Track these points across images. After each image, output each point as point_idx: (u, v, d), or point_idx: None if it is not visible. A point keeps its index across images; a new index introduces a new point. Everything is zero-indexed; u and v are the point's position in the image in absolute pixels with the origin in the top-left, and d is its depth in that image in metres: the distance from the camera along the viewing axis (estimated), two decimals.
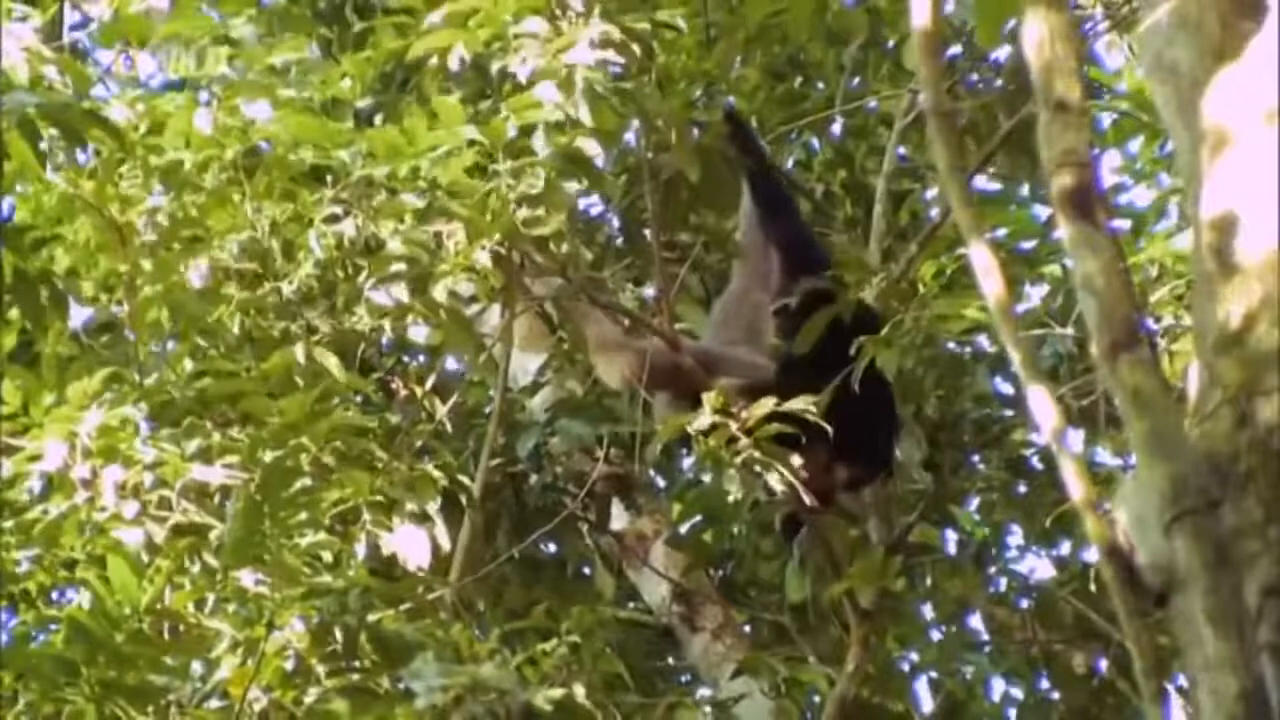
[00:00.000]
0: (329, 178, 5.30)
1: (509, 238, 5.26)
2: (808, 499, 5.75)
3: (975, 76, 6.96)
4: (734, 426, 5.60)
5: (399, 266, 5.18)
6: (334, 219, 5.23)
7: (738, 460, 5.62)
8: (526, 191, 5.23)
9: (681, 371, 6.07)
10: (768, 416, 5.58)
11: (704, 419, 5.61)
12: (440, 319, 5.30)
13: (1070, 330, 6.39)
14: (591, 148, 5.29)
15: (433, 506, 5.33)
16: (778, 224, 6.41)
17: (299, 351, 5.20)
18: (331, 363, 5.23)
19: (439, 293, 5.20)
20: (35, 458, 4.89)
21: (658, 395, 6.25)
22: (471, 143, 5.24)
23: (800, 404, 5.59)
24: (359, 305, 5.23)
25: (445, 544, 5.43)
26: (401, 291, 5.19)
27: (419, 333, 5.76)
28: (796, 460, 5.68)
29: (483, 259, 5.21)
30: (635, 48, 5.34)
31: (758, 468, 5.63)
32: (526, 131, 5.29)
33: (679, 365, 6.08)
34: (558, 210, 5.26)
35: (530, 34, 5.29)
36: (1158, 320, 6.09)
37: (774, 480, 5.64)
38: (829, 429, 5.64)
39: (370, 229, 5.20)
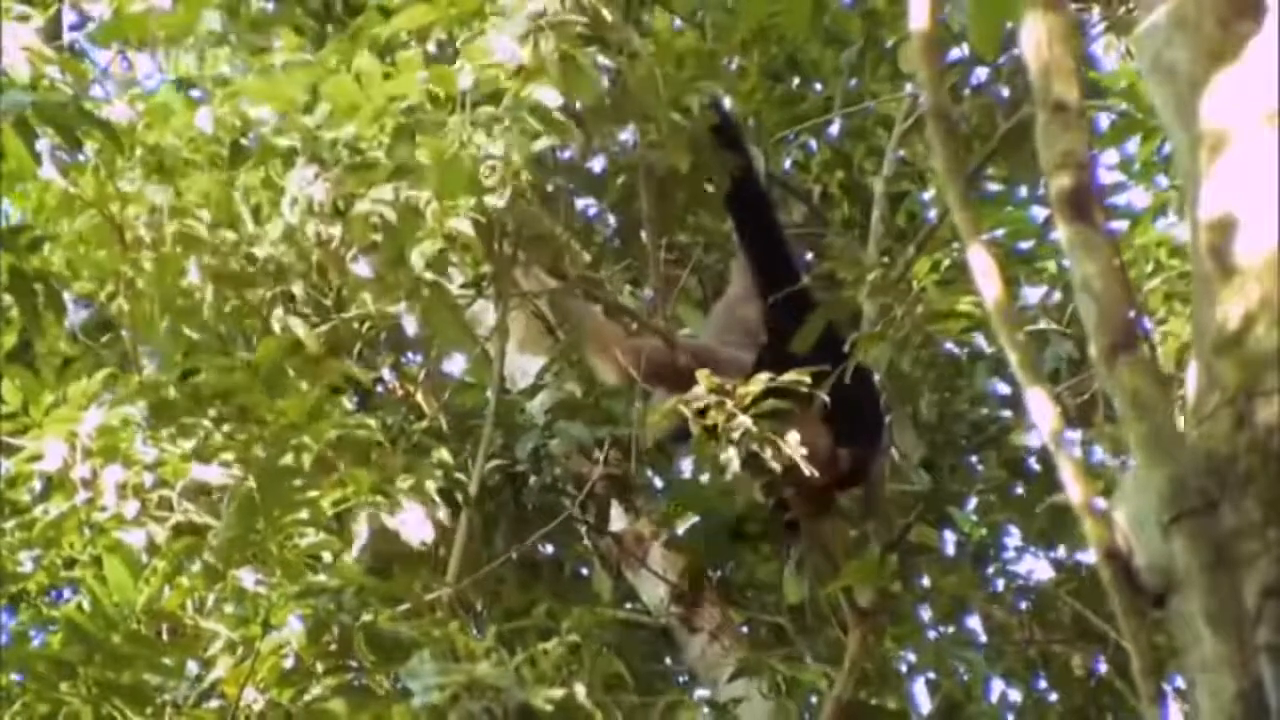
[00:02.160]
0: (300, 144, 5.25)
1: (478, 197, 5.18)
2: (810, 470, 5.72)
3: (979, 78, 6.96)
4: (730, 404, 5.60)
5: (377, 237, 5.13)
6: (304, 183, 5.18)
7: (735, 435, 5.60)
8: (486, 148, 5.16)
9: (678, 369, 6.08)
10: (764, 393, 5.58)
11: (701, 392, 5.60)
12: (420, 296, 5.25)
13: (1068, 331, 6.40)
14: (550, 97, 5.21)
15: (431, 486, 5.31)
16: (749, 240, 6.36)
17: (274, 321, 5.17)
18: (300, 327, 5.19)
19: (416, 260, 5.14)
20: (35, 457, 4.89)
21: (654, 393, 6.25)
22: (434, 100, 5.18)
23: (797, 382, 5.59)
24: (338, 276, 5.18)
25: (446, 522, 5.41)
26: (380, 263, 5.14)
27: (409, 325, 5.72)
28: (796, 438, 5.68)
29: (462, 226, 5.14)
30: (605, 13, 5.28)
31: (755, 446, 5.61)
32: (487, 86, 5.21)
33: (675, 363, 6.09)
34: (519, 158, 5.18)
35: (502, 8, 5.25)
36: (1151, 314, 6.10)
37: (772, 459, 5.63)
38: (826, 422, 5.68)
39: (341, 189, 5.14)
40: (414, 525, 5.21)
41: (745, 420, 5.57)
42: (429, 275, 5.17)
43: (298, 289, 5.21)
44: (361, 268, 5.17)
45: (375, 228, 5.13)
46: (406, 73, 5.16)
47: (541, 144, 5.23)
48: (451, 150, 5.10)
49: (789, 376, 5.57)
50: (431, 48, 5.32)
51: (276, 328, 5.16)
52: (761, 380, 5.60)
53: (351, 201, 5.14)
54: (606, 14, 5.26)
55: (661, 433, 6.15)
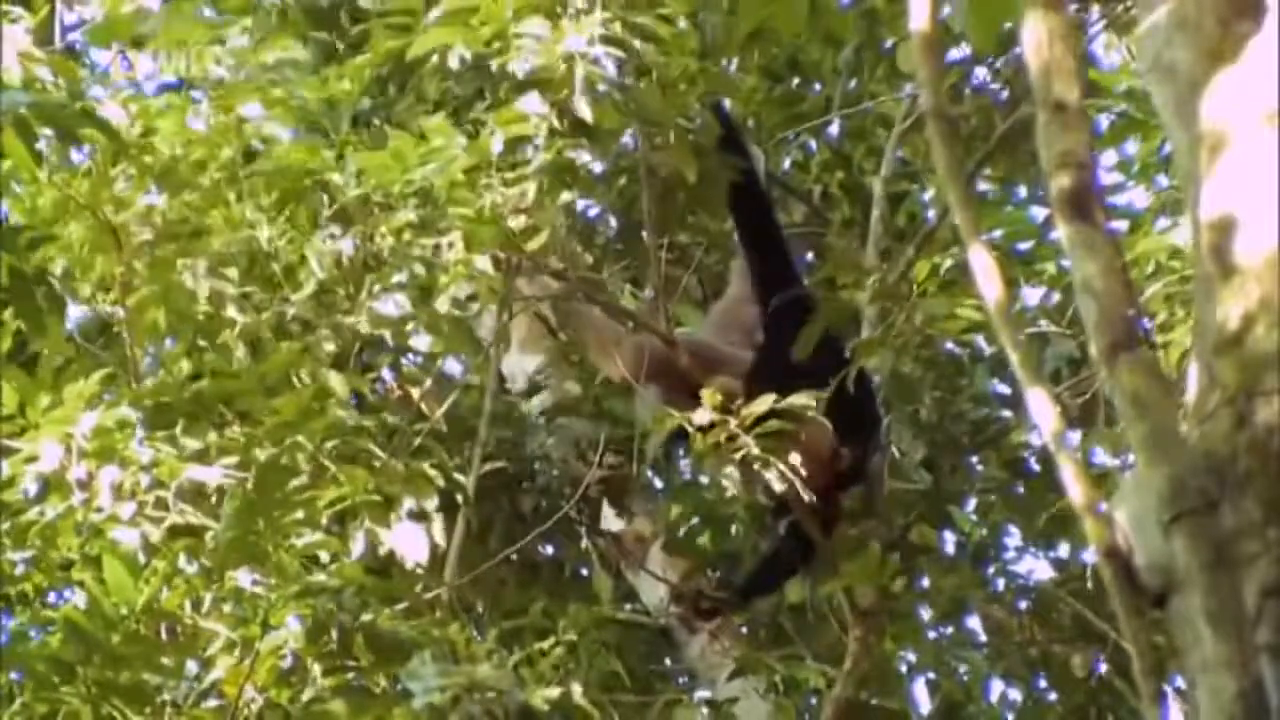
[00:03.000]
0: (323, 196, 5.29)
1: (504, 247, 5.25)
2: (807, 495, 5.74)
3: (978, 78, 6.96)
4: (733, 424, 5.61)
5: (400, 277, 5.18)
6: (332, 237, 5.23)
7: (737, 457, 5.63)
8: (517, 204, 5.22)
9: (677, 366, 6.08)
10: (768, 413, 5.59)
11: (703, 415, 5.61)
12: (443, 328, 5.29)
13: (1068, 332, 6.41)
14: (582, 156, 5.26)
15: (431, 504, 5.32)
16: (750, 243, 6.36)
17: (303, 371, 5.19)
18: (335, 380, 5.22)
19: (442, 304, 5.20)
20: (32, 459, 4.89)
21: (649, 388, 6.24)
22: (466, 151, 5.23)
23: (802, 399, 5.60)
24: (361, 315, 5.21)
25: (443, 542, 5.43)
26: (404, 302, 5.18)
27: (421, 341, 5.75)
28: (797, 457, 5.70)
29: (483, 265, 5.20)
30: (637, 44, 5.31)
31: (757, 465, 5.63)
32: (517, 143, 5.27)
33: (676, 362, 6.09)
34: (546, 222, 5.25)
35: (532, 35, 5.26)
36: (1151, 317, 6.11)
37: (774, 478, 5.65)
38: (827, 422, 5.69)
39: (369, 246, 5.20)
40: (409, 544, 5.23)
41: (748, 441, 5.58)
42: (454, 313, 5.21)
43: (329, 345, 5.23)
44: (382, 304, 5.20)
45: (400, 271, 5.17)
46: (441, 140, 5.21)
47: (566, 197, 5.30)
48: (479, 203, 5.16)
49: (794, 399, 5.58)
50: (454, 63, 5.34)
51: (306, 378, 5.18)
52: (766, 401, 5.60)
53: (379, 254, 5.18)
54: (637, 44, 5.28)
55: (661, 438, 6.14)
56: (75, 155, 5.38)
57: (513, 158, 5.27)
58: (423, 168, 5.20)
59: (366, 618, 4.84)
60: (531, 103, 5.23)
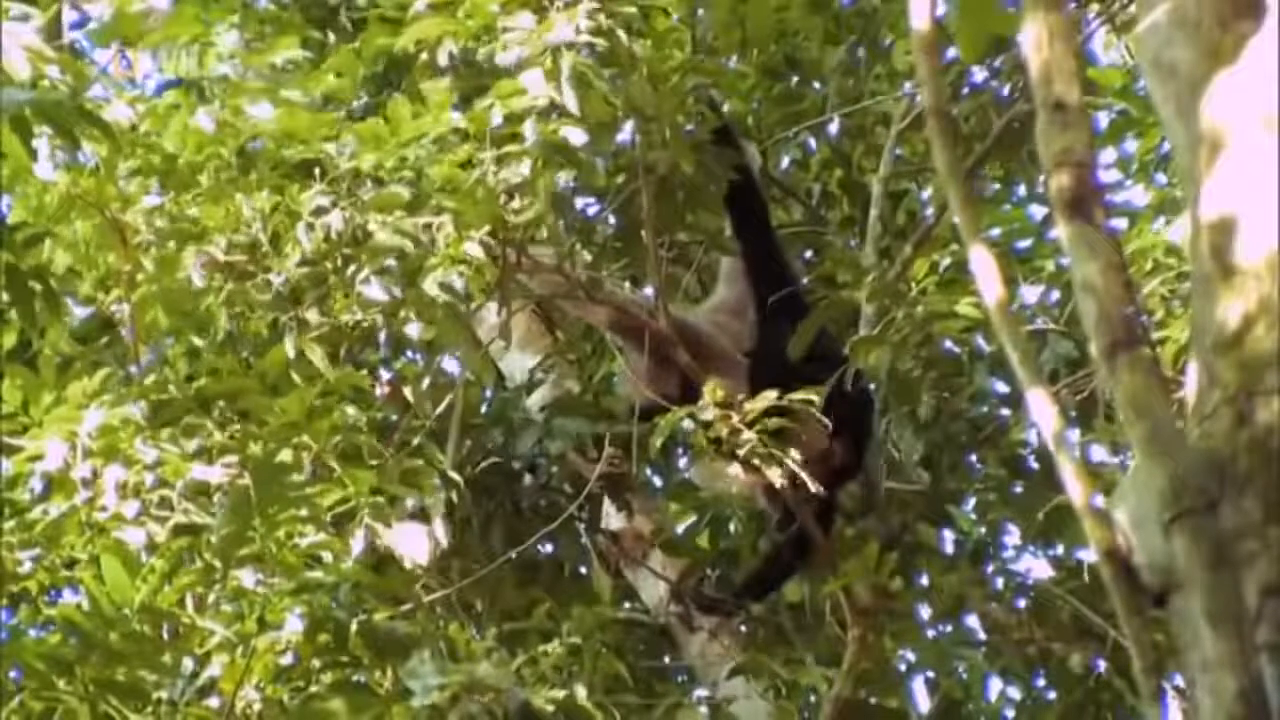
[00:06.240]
0: (317, 170, 5.27)
1: (496, 227, 5.22)
2: (814, 486, 5.75)
3: (976, 78, 6.96)
4: (735, 419, 5.61)
5: (390, 261, 5.15)
6: (322, 211, 5.20)
7: (740, 453, 5.63)
8: (510, 180, 5.19)
9: (674, 356, 6.07)
10: (771, 410, 5.59)
11: (707, 411, 5.61)
12: (432, 313, 5.27)
13: (1066, 331, 6.41)
14: (577, 136, 5.23)
15: (432, 501, 5.32)
16: (745, 247, 6.37)
17: (289, 345, 5.17)
18: (318, 356, 5.20)
19: (430, 286, 5.17)
20: (36, 457, 4.89)
21: (640, 359, 6.24)
22: (460, 134, 5.21)
23: (803, 396, 5.61)
24: (350, 299, 5.20)
25: (444, 541, 5.43)
26: (393, 286, 5.16)
27: (413, 328, 5.74)
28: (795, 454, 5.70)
29: (473, 250, 5.17)
30: (622, 34, 5.30)
31: (759, 461, 5.63)
32: (514, 120, 5.24)
33: (673, 351, 6.09)
34: (541, 198, 5.22)
35: (518, 27, 5.26)
36: (1149, 315, 6.11)
37: (776, 474, 5.65)
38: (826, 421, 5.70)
39: (358, 220, 5.17)
40: (411, 543, 5.22)
41: (751, 437, 5.59)
42: (443, 297, 5.18)
43: (312, 315, 5.21)
44: (372, 289, 5.18)
45: (389, 251, 5.14)
46: (437, 111, 5.19)
47: (563, 176, 5.27)
48: (472, 181, 5.13)
49: (798, 395, 5.59)
50: (443, 60, 5.33)
51: (291, 352, 5.16)
52: (768, 397, 5.60)
53: (367, 229, 5.16)
54: (622, 35, 5.27)
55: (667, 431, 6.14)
56: (82, 154, 5.38)
57: (511, 129, 5.24)
58: (418, 140, 5.18)
59: (364, 616, 4.84)
60: (534, 79, 5.21)
